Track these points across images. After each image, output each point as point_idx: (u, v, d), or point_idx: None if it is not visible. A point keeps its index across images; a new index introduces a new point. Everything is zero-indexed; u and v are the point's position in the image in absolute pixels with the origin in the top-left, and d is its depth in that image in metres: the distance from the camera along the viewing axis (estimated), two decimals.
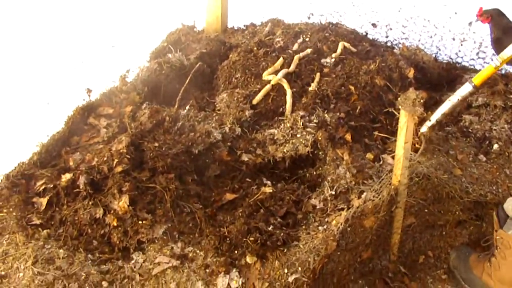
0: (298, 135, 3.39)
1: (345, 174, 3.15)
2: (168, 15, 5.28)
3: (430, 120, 3.30)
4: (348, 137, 3.43)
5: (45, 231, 2.85)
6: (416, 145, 3.29)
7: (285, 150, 3.35)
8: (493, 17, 3.90)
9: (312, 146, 3.34)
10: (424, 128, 3.31)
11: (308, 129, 3.40)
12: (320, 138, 3.35)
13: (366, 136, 3.55)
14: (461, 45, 4.26)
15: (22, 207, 2.98)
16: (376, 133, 3.58)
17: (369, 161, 3.29)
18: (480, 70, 4.21)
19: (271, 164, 3.38)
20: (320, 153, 3.34)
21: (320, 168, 3.31)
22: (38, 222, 2.91)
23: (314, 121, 3.45)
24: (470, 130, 3.57)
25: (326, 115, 3.51)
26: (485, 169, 3.31)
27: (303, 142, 3.35)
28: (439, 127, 3.46)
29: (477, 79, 3.20)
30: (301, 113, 3.52)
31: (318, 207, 3.01)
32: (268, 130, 3.50)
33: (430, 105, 3.76)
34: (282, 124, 3.49)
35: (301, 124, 3.43)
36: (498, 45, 3.89)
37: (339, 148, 3.32)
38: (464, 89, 3.25)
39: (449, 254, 3.28)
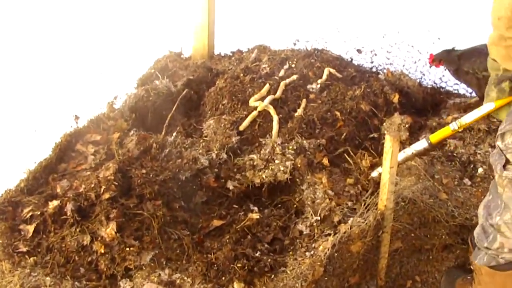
0: (277, 161, 3.42)
1: (324, 197, 3.18)
2: (155, 42, 5.31)
3: (381, 167, 3.35)
4: (325, 161, 3.46)
5: (31, 258, 2.84)
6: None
7: (263, 176, 3.37)
8: (444, 60, 4.06)
9: (291, 173, 3.36)
10: (374, 173, 3.38)
11: (288, 155, 3.44)
12: (299, 165, 3.38)
13: (346, 161, 3.58)
14: (445, 70, 4.32)
15: (8, 235, 2.97)
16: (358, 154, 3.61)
17: (348, 184, 3.33)
18: (463, 94, 4.29)
19: (251, 190, 3.40)
20: (298, 179, 3.37)
21: (299, 194, 3.33)
22: (24, 249, 2.89)
23: (293, 147, 3.49)
24: (455, 154, 3.60)
25: (304, 141, 3.54)
26: (470, 193, 3.33)
27: (282, 168, 3.38)
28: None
29: (434, 137, 3.29)
30: (279, 140, 3.56)
31: (304, 232, 3.03)
32: (248, 155, 3.52)
33: (415, 130, 3.80)
34: (262, 150, 3.52)
35: (279, 150, 3.46)
36: (458, 74, 4.05)
37: (317, 173, 3.35)
38: (420, 145, 3.34)
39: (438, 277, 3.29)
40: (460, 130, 3.29)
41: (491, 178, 3.38)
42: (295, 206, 3.31)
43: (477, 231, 2.75)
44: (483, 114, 3.14)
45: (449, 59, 4.03)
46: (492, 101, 2.98)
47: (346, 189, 3.29)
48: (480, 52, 3.85)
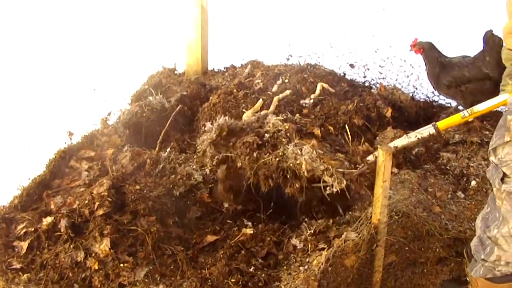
0: None
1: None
2: (149, 58, 5.33)
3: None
4: (317, 131, 3.46)
5: (25, 275, 2.83)
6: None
7: None
8: (425, 49, 4.10)
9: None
10: (370, 157, 3.34)
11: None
12: (287, 127, 3.33)
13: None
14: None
15: (2, 251, 2.97)
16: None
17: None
18: (456, 107, 4.30)
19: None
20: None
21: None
22: (18, 266, 2.89)
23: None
24: (448, 167, 3.62)
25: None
26: (464, 206, 3.34)
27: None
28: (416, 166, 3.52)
29: (443, 124, 3.28)
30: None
31: (298, 247, 3.02)
32: None
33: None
34: None
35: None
36: (435, 81, 4.09)
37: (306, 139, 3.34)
38: (426, 130, 3.33)
39: None
40: (470, 119, 3.27)
41: (484, 191, 3.40)
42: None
43: (474, 243, 2.76)
44: (496, 103, 3.14)
45: (429, 54, 4.08)
46: (508, 92, 2.97)
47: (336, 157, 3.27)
48: (460, 66, 3.91)
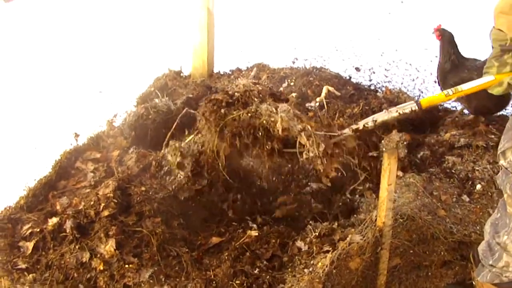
0: None
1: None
2: (155, 61, 5.34)
3: (357, 124, 3.30)
4: (292, 98, 3.38)
5: (31, 275, 2.84)
6: None
7: None
8: (443, 38, 4.01)
9: None
10: (346, 130, 3.27)
11: None
12: (260, 88, 3.18)
13: None
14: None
15: (8, 251, 2.98)
16: None
17: None
18: (461, 111, 4.29)
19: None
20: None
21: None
22: (24, 266, 2.90)
23: None
24: (453, 171, 3.61)
25: None
26: (469, 210, 3.34)
27: None
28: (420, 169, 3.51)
29: (426, 101, 3.28)
30: None
31: (303, 249, 3.03)
32: None
33: (414, 147, 3.81)
34: None
35: None
36: (442, 78, 4.03)
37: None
38: (408, 106, 3.33)
39: None
40: (453, 99, 3.24)
41: (490, 195, 3.39)
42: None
43: (482, 248, 2.75)
44: (480, 84, 3.13)
45: (446, 44, 4.00)
46: (492, 74, 2.97)
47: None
48: (470, 68, 3.86)
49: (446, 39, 3.98)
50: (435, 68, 4.12)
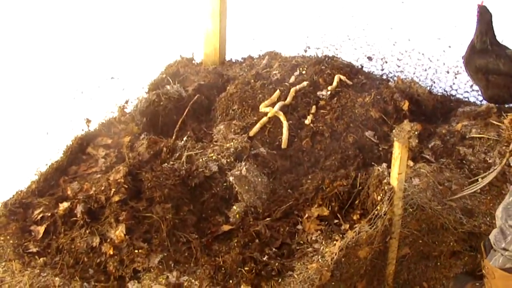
0: None
1: None
2: (167, 47, 5.34)
3: None
4: None
5: (41, 259, 2.87)
6: None
7: None
8: (482, 16, 3.87)
9: None
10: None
11: None
12: None
13: None
14: (455, 78, 4.31)
15: (19, 235, 3.01)
16: None
17: None
18: (474, 102, 4.26)
19: None
20: None
21: None
22: (34, 250, 2.93)
23: None
24: (464, 161, 3.60)
25: None
26: (479, 201, 3.33)
27: None
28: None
29: None
30: None
31: (312, 238, 3.03)
32: None
33: (425, 137, 3.80)
34: None
35: None
36: (468, 57, 3.96)
37: None
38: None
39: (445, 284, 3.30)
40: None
41: (499, 186, 3.38)
42: None
43: (494, 233, 2.77)
44: None
45: (481, 24, 3.87)
46: None
47: None
48: (499, 55, 3.79)
49: (484, 19, 3.88)
50: (448, 58, 4.08)
